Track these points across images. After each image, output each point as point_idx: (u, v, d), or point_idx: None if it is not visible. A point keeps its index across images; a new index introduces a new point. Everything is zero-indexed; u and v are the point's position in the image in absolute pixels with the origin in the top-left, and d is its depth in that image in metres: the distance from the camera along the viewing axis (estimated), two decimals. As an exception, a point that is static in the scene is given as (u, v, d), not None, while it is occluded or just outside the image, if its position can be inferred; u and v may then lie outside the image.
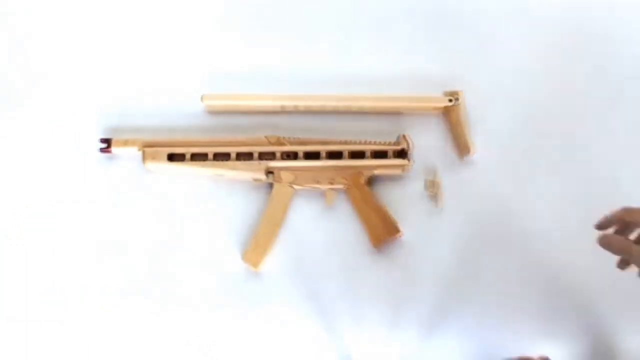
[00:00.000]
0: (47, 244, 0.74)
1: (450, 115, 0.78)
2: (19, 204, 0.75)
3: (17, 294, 0.72)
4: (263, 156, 0.75)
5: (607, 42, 0.86)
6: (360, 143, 0.76)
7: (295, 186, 0.75)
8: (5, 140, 0.78)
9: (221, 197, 0.76)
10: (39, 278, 0.73)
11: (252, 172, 0.74)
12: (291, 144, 0.76)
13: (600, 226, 0.63)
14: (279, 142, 0.76)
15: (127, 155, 0.76)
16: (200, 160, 0.74)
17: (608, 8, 0.87)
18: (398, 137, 0.77)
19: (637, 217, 0.60)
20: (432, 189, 0.76)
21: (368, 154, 0.76)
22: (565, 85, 0.84)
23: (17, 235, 0.74)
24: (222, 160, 0.74)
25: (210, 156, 0.74)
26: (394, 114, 0.80)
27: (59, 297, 0.72)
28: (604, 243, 0.60)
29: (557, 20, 0.86)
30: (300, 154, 0.75)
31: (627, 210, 0.61)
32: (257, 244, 0.74)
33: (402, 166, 0.76)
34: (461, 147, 0.78)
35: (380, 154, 0.76)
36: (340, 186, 0.75)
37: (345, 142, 0.76)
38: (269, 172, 0.74)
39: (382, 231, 0.74)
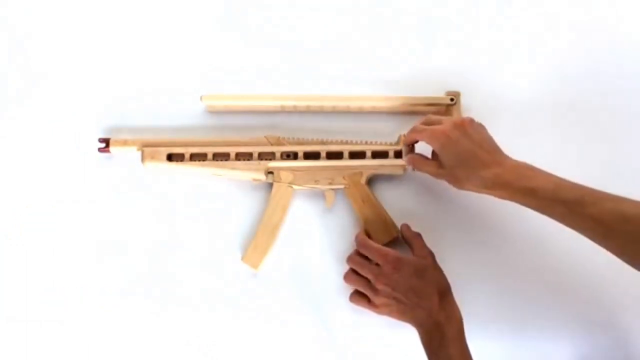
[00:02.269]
0: (47, 244, 0.74)
1: (451, 116, 0.78)
2: (19, 204, 0.75)
3: (17, 294, 0.73)
4: (262, 156, 0.74)
5: (613, 42, 0.85)
6: (360, 143, 0.76)
7: (294, 186, 0.75)
8: (5, 140, 0.77)
9: (221, 197, 0.76)
10: (39, 278, 0.73)
11: (252, 172, 0.74)
12: (291, 144, 0.76)
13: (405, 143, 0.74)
14: (279, 142, 0.75)
15: (126, 155, 0.75)
16: (199, 160, 0.74)
17: (613, 5, 0.86)
18: (399, 138, 0.77)
19: (420, 136, 0.69)
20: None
21: (368, 154, 0.75)
22: (568, 84, 0.83)
23: (17, 235, 0.74)
24: (222, 160, 0.74)
25: (210, 156, 0.74)
26: (395, 113, 0.80)
27: (59, 297, 0.73)
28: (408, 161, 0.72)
29: (561, 19, 0.86)
30: (300, 154, 0.75)
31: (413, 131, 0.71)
32: (256, 244, 0.74)
33: (402, 166, 0.75)
34: None
35: (380, 154, 0.76)
36: (340, 186, 0.75)
37: (346, 142, 0.76)
38: (269, 172, 0.74)
39: (382, 231, 0.74)
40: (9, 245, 0.74)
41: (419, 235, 0.71)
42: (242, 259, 0.74)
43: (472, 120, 0.67)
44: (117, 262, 0.74)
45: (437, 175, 0.69)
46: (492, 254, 0.76)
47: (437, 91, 0.80)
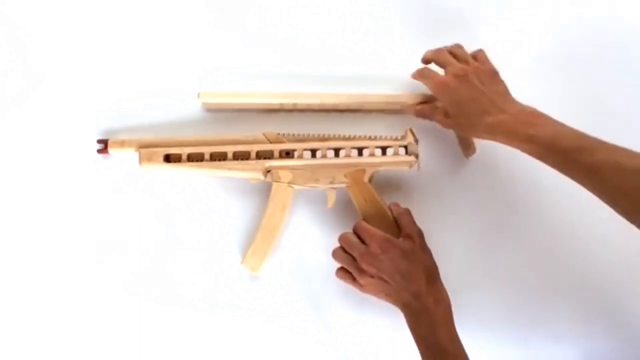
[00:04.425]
0: (47, 244, 0.75)
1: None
2: (19, 205, 0.76)
3: (17, 294, 0.74)
4: (260, 155, 0.72)
5: (616, 41, 0.80)
6: (362, 138, 0.72)
7: (294, 186, 0.72)
8: (4, 142, 0.77)
9: (221, 197, 0.75)
10: (39, 278, 0.74)
11: (250, 172, 0.72)
12: (290, 141, 0.73)
13: (424, 61, 0.73)
14: (277, 140, 0.73)
15: (125, 154, 0.74)
16: (196, 160, 0.72)
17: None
18: (405, 132, 0.72)
19: (424, 82, 0.71)
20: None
21: (371, 149, 0.72)
22: (571, 83, 0.79)
23: (17, 235, 0.75)
24: (219, 160, 0.72)
25: (207, 156, 0.72)
26: (398, 112, 0.77)
27: (59, 297, 0.73)
28: (419, 75, 0.72)
29: (562, 19, 0.81)
30: (299, 152, 0.72)
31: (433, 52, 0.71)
32: (255, 247, 0.72)
33: (408, 162, 0.71)
34: (465, 145, 0.75)
35: (384, 150, 0.72)
36: (342, 185, 0.72)
37: (347, 138, 0.73)
38: (267, 171, 0.72)
39: (387, 231, 0.70)
40: (9, 245, 0.75)
41: (407, 212, 0.69)
42: (242, 262, 0.72)
43: (476, 69, 0.67)
44: (117, 262, 0.74)
45: (445, 124, 0.70)
46: (501, 253, 0.74)
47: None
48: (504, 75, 0.69)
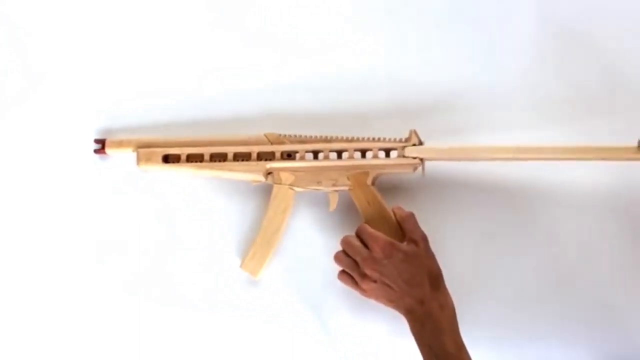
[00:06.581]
0: (46, 244, 0.75)
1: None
2: (18, 205, 0.76)
3: (17, 294, 0.74)
4: (261, 156, 0.71)
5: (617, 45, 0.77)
6: (365, 140, 0.71)
7: (295, 188, 0.71)
8: (3, 142, 0.78)
9: (221, 198, 0.75)
10: (39, 279, 0.75)
11: (250, 173, 0.71)
12: (292, 142, 0.71)
13: None
14: (279, 141, 0.72)
15: (124, 155, 0.74)
16: (196, 161, 0.72)
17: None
18: (410, 133, 0.71)
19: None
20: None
21: (374, 151, 0.70)
22: (574, 83, 0.77)
23: (17, 235, 0.75)
24: (219, 161, 0.71)
25: (207, 157, 0.71)
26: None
27: (59, 298, 0.74)
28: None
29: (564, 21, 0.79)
30: (301, 153, 0.71)
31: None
32: (255, 250, 0.71)
33: (412, 165, 0.70)
34: None
35: (387, 152, 0.70)
36: (344, 188, 0.71)
37: (350, 140, 0.71)
38: (268, 173, 0.71)
39: (390, 236, 0.68)
40: (9, 245, 0.75)
41: (411, 215, 0.68)
42: (241, 266, 0.72)
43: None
44: (117, 262, 0.74)
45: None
46: (502, 259, 0.73)
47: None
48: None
